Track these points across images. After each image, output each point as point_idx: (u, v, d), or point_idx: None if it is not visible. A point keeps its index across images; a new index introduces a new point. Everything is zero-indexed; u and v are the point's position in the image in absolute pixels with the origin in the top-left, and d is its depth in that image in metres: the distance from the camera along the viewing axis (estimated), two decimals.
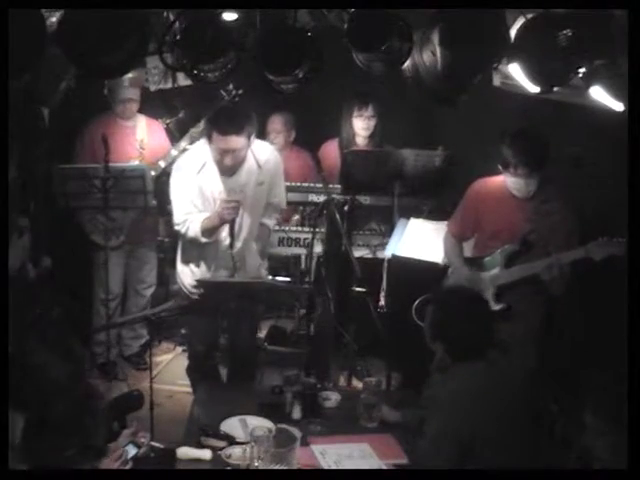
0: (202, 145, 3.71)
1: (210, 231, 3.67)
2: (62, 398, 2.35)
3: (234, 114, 3.59)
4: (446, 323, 2.73)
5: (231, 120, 3.52)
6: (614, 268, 3.20)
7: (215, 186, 3.68)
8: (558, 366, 3.79)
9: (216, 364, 4.15)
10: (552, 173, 3.56)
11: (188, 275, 3.85)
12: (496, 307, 3.58)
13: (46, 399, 2.33)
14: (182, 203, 3.71)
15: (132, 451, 2.62)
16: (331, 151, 4.81)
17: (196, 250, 3.82)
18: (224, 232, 3.73)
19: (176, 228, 3.78)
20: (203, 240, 3.69)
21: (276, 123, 4.95)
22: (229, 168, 3.62)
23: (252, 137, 3.63)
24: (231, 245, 3.72)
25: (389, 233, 4.32)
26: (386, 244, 4.27)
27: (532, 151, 3.45)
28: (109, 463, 2.53)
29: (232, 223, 3.66)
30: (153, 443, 2.77)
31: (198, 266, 3.83)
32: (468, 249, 3.84)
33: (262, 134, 4.87)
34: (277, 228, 4.58)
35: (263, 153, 3.78)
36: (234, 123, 3.51)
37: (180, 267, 3.91)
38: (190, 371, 4.11)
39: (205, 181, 3.68)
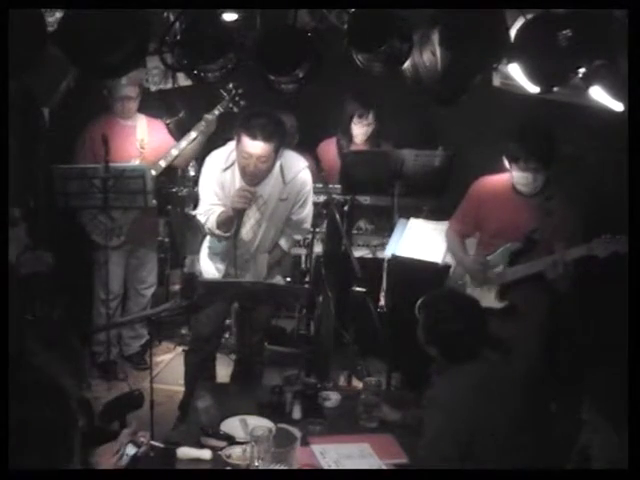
0: (233, 145, 3.71)
1: (225, 223, 3.70)
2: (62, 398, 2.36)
3: (267, 121, 3.54)
4: (438, 327, 2.74)
5: (263, 126, 3.50)
6: (618, 266, 3.19)
7: (236, 187, 3.70)
8: (560, 365, 3.80)
9: (214, 360, 4.16)
10: (555, 171, 3.56)
11: (210, 266, 3.93)
12: (500, 305, 3.58)
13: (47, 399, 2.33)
14: (207, 195, 3.77)
15: (132, 450, 2.61)
16: (329, 149, 4.82)
17: (216, 246, 3.90)
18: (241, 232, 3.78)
19: (198, 217, 3.85)
20: (217, 232, 3.74)
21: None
22: (251, 176, 3.62)
23: (280, 150, 3.63)
24: (235, 235, 3.74)
25: (389, 233, 4.32)
26: (386, 244, 4.27)
27: (543, 145, 3.45)
28: (107, 459, 2.54)
29: (242, 213, 3.69)
30: (153, 442, 2.77)
31: (215, 261, 3.91)
32: (471, 247, 3.84)
33: None
34: None
35: (292, 171, 3.77)
36: (265, 130, 3.50)
37: (203, 262, 4.00)
38: (187, 355, 4.11)
39: (228, 181, 3.71)
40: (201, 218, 3.81)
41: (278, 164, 3.70)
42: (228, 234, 3.75)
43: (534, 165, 3.45)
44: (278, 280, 4.05)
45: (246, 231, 3.79)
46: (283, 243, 3.95)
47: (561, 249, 3.38)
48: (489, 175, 3.73)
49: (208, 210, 3.76)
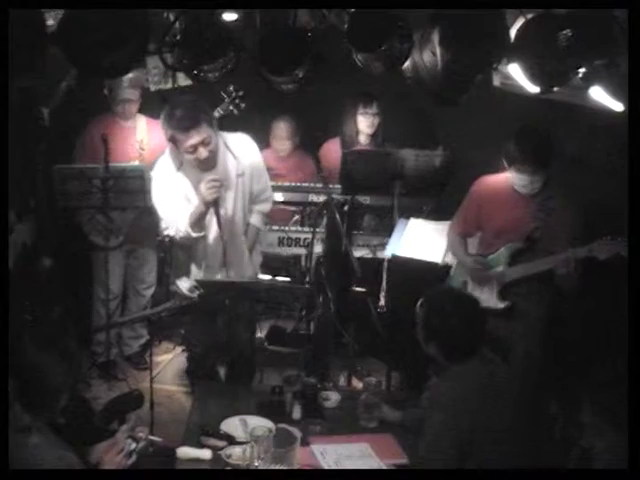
0: (174, 149, 3.68)
1: (199, 221, 3.67)
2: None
3: (185, 109, 3.52)
4: (438, 324, 2.74)
5: (186, 116, 3.48)
6: (619, 267, 3.19)
7: (196, 182, 3.66)
8: (559, 365, 3.79)
9: (214, 365, 4.15)
10: (556, 171, 3.56)
11: (184, 280, 3.87)
12: (501, 305, 3.58)
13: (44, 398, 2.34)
14: (167, 206, 3.73)
15: (131, 446, 2.61)
16: (332, 151, 4.81)
17: (185, 254, 3.85)
18: (212, 228, 3.75)
19: (166, 232, 3.81)
20: (194, 235, 3.69)
21: (281, 129, 4.95)
22: (206, 161, 3.60)
23: (214, 122, 3.60)
24: (219, 226, 3.72)
25: (389, 233, 4.32)
26: (386, 244, 4.27)
27: (539, 148, 3.45)
28: (111, 457, 2.54)
29: (217, 208, 3.66)
30: (152, 437, 2.76)
31: (189, 272, 3.85)
32: (473, 247, 3.84)
33: (266, 140, 4.89)
34: (276, 228, 4.59)
35: (238, 144, 3.77)
36: (189, 117, 3.48)
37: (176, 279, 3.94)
38: (189, 374, 4.11)
39: (186, 178, 3.68)
40: (171, 232, 3.76)
41: (222, 144, 3.69)
42: (203, 233, 3.73)
43: (531, 167, 3.45)
44: (258, 260, 4.04)
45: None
46: (254, 220, 3.94)
47: (565, 248, 3.37)
48: (490, 175, 3.73)
49: (172, 221, 3.72)
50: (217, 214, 3.69)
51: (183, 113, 3.50)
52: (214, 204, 3.65)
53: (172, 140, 3.57)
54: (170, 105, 3.61)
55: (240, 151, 3.76)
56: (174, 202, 3.70)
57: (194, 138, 3.50)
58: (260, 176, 3.89)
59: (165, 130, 3.59)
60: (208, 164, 3.63)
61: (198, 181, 3.64)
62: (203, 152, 3.55)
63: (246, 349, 4.08)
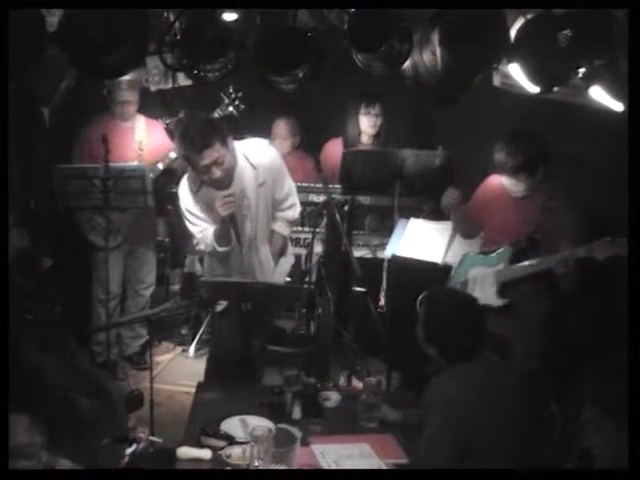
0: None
1: (222, 236, 3.67)
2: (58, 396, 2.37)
3: (198, 129, 3.50)
4: (438, 324, 2.74)
5: (198, 136, 3.46)
6: (617, 268, 3.20)
7: (214, 200, 3.64)
8: (559, 365, 3.79)
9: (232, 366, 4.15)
10: (556, 171, 3.56)
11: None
12: (499, 303, 3.59)
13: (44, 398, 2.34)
14: (193, 223, 3.74)
15: (131, 447, 2.61)
16: (333, 151, 4.81)
17: (218, 262, 3.87)
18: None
19: (197, 248, 3.82)
20: (220, 249, 3.70)
21: (281, 129, 4.95)
22: (222, 179, 3.59)
23: (229, 141, 3.56)
24: (238, 240, 3.72)
25: (389, 233, 4.32)
26: (386, 244, 4.27)
27: (513, 154, 3.46)
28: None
29: (234, 222, 3.66)
30: (152, 438, 2.76)
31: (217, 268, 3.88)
32: (476, 246, 3.84)
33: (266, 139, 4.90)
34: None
35: (256, 153, 3.72)
36: (202, 136, 3.46)
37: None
38: (208, 373, 4.09)
39: (206, 197, 3.68)
40: (201, 247, 3.77)
41: (241, 154, 3.66)
42: (229, 247, 3.73)
43: (509, 172, 3.48)
44: (290, 261, 4.03)
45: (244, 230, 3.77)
46: (278, 227, 3.89)
47: (566, 248, 3.38)
48: (495, 175, 3.74)
49: (201, 237, 3.73)
50: (234, 228, 3.69)
51: (196, 133, 3.48)
52: (231, 219, 3.65)
53: (186, 159, 3.57)
54: (184, 124, 3.61)
55: (259, 160, 3.71)
56: (199, 220, 3.72)
57: (207, 159, 3.47)
58: (283, 183, 3.82)
59: (179, 149, 3.59)
60: (223, 182, 3.62)
61: (215, 199, 3.63)
62: (216, 172, 3.53)
63: (258, 350, 4.07)
